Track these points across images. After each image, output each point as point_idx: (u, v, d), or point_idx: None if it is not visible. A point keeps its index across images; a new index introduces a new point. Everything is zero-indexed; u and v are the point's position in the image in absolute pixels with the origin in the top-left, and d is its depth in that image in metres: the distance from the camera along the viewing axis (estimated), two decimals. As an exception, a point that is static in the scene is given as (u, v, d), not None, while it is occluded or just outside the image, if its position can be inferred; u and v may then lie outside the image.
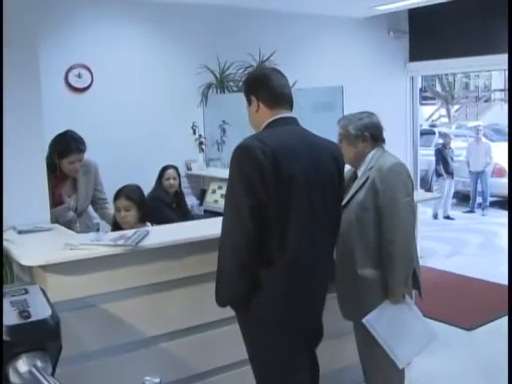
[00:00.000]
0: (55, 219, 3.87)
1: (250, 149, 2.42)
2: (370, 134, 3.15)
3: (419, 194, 5.39)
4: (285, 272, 2.46)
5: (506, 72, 4.76)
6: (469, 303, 5.83)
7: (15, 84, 3.37)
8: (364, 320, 3.02)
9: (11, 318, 2.20)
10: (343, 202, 2.94)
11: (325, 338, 2.75)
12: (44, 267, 2.75)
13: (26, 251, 2.87)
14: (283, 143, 2.47)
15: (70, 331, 2.68)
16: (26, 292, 2.41)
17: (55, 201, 3.99)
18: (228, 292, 2.54)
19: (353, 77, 7.59)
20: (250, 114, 2.70)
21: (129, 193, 3.93)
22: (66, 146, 3.87)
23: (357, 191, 3.06)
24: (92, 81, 6.17)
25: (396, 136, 8.41)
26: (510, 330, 2.87)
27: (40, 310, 2.27)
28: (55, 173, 3.85)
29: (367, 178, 3.05)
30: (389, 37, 8.55)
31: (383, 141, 3.21)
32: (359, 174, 3.15)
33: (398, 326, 3.06)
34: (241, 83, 6.76)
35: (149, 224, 3.88)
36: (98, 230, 5.11)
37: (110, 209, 4.32)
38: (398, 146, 8.48)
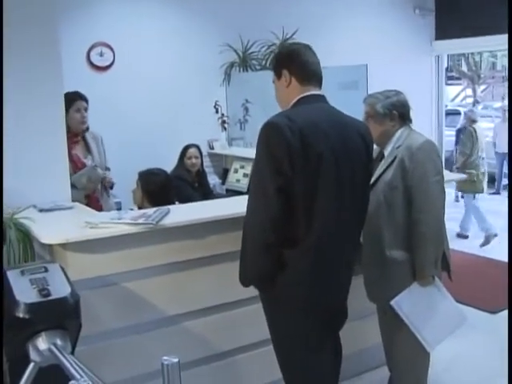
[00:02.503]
0: (86, 183, 3.98)
1: (277, 126, 2.36)
2: (399, 112, 3.06)
3: (445, 174, 5.29)
4: (310, 251, 2.42)
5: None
6: (493, 286, 5.74)
7: (36, 62, 3.36)
8: (392, 302, 2.95)
9: (31, 295, 2.20)
10: (372, 181, 2.88)
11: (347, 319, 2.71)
12: (64, 245, 2.74)
13: (47, 229, 2.85)
14: (312, 121, 2.43)
15: (90, 310, 2.69)
16: (46, 270, 2.40)
17: (75, 163, 4.02)
18: (252, 271, 2.50)
19: (377, 55, 7.48)
20: (278, 88, 2.63)
21: (141, 173, 3.99)
22: (68, 97, 3.88)
23: (384, 171, 2.98)
24: (114, 59, 6.16)
25: (421, 116, 8.23)
26: (510, 331, 2.81)
27: (60, 289, 2.26)
28: (67, 134, 3.85)
29: (395, 157, 2.96)
30: (414, 15, 8.40)
31: (410, 120, 3.13)
32: (386, 153, 3.06)
33: (426, 308, 2.99)
34: (264, 62, 6.71)
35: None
36: (119, 208, 5.13)
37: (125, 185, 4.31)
38: (422, 127, 8.29)
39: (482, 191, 8.07)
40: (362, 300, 3.13)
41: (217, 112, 6.70)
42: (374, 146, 3.12)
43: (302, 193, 2.37)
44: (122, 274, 2.88)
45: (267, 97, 6.02)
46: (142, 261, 2.92)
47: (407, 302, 2.95)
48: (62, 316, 2.19)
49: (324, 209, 2.40)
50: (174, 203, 3.83)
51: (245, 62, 6.72)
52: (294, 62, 2.57)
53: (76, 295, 2.25)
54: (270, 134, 2.38)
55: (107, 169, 4.42)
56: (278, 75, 2.60)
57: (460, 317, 3.17)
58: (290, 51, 2.68)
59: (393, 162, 2.97)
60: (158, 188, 3.93)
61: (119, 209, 5.13)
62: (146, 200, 3.84)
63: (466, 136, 8.09)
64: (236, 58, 6.68)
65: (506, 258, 6.29)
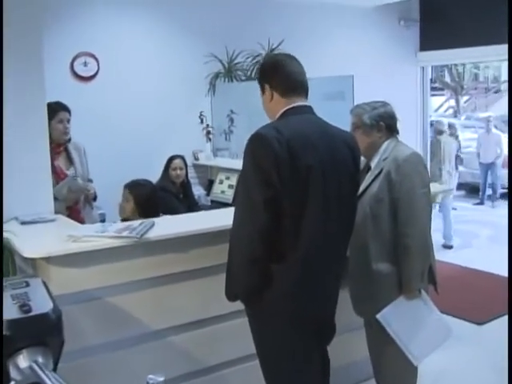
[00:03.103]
0: (66, 195, 3.91)
1: (265, 138, 2.33)
2: (386, 124, 3.04)
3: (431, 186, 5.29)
4: (298, 265, 2.39)
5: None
6: (479, 297, 5.75)
7: (18, 72, 3.30)
8: (378, 315, 2.92)
9: (11, 311, 2.13)
10: (358, 194, 2.84)
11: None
12: (47, 259, 2.68)
13: (29, 243, 2.80)
14: (299, 133, 2.39)
15: (74, 325, 2.63)
16: (27, 285, 2.33)
17: (57, 174, 3.97)
18: (239, 285, 2.45)
19: (363, 66, 7.50)
20: (264, 102, 2.59)
21: (130, 183, 3.98)
22: (50, 108, 3.83)
23: (371, 183, 2.96)
24: (98, 69, 6.11)
25: (406, 127, 8.19)
26: (510, 333, 2.79)
27: (41, 304, 2.19)
28: (50, 145, 3.80)
29: (381, 170, 2.94)
30: (399, 26, 8.44)
31: (397, 131, 3.11)
32: (372, 165, 3.04)
33: (413, 321, 2.96)
34: (249, 72, 6.68)
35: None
36: (103, 220, 5.07)
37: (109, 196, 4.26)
38: (407, 137, 8.28)
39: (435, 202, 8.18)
40: (349, 313, 3.10)
41: (202, 122, 6.66)
42: (362, 158, 3.11)
43: (290, 205, 2.33)
44: (105, 288, 2.83)
45: (252, 107, 6.01)
46: (126, 274, 2.87)
47: (393, 316, 2.92)
48: (43, 333, 2.12)
49: (311, 221, 2.37)
50: (159, 215, 3.80)
51: (230, 72, 6.69)
52: (273, 75, 2.53)
53: (58, 311, 2.19)
54: (258, 145, 2.34)
55: (89, 180, 4.37)
56: (262, 90, 2.57)
57: (447, 330, 3.15)
58: (269, 64, 2.66)
59: (379, 174, 2.94)
60: (146, 199, 3.91)
61: (103, 220, 5.07)
62: (137, 212, 3.80)
63: (434, 147, 8.39)
64: (221, 68, 6.65)
65: (492, 269, 6.35)
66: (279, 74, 2.52)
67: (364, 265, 2.94)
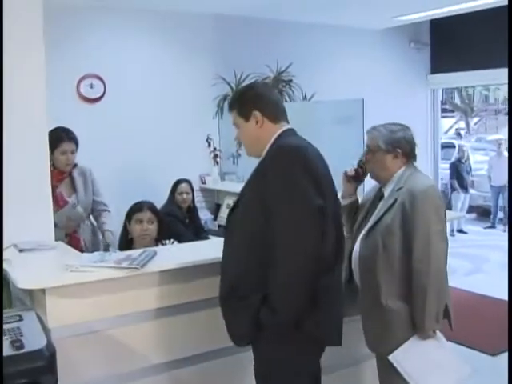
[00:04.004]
0: (65, 223, 3.83)
1: (304, 148, 2.41)
2: (403, 150, 2.89)
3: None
4: (337, 283, 2.46)
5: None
6: (492, 325, 5.58)
7: (20, 96, 3.24)
8: (390, 357, 2.77)
9: (3, 348, 2.05)
10: (370, 224, 2.81)
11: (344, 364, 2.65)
12: (43, 290, 2.58)
13: (26, 272, 2.70)
14: (312, 146, 2.48)
15: (71, 359, 2.54)
16: (21, 319, 2.26)
17: (57, 201, 3.90)
18: (290, 309, 2.31)
19: (372, 89, 7.45)
20: (246, 131, 2.55)
21: (152, 206, 3.85)
22: (56, 136, 3.77)
23: (384, 214, 2.81)
24: (105, 91, 6.08)
25: (417, 150, 8.22)
26: (510, 336, 2.66)
27: (34, 340, 2.11)
28: (52, 171, 3.72)
29: (395, 200, 2.79)
30: (410, 48, 8.39)
31: (415, 158, 2.96)
32: (386, 193, 2.90)
33: (426, 362, 2.80)
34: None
35: (161, 243, 3.74)
36: (107, 246, 4.99)
37: (115, 219, 4.17)
38: (418, 160, 8.28)
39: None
40: (359, 345, 3.01)
41: (209, 146, 6.61)
42: (372, 183, 3.00)
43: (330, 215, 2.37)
44: (104, 321, 2.72)
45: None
46: (126, 306, 2.76)
47: (406, 357, 2.77)
48: (36, 371, 2.04)
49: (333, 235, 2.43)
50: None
51: (238, 95, 6.63)
52: (263, 101, 2.53)
53: (52, 348, 2.10)
54: (303, 155, 2.37)
55: (102, 204, 4.28)
56: (246, 117, 2.52)
57: (463, 371, 2.96)
58: (258, 91, 2.63)
59: (393, 205, 2.79)
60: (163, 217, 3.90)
61: (106, 244, 4.99)
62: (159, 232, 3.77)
63: None
64: (229, 90, 6.59)
65: (502, 296, 6.18)
66: (270, 101, 2.56)
67: (374, 299, 2.80)
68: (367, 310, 2.86)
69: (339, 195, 2.84)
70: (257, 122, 2.50)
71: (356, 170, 3.02)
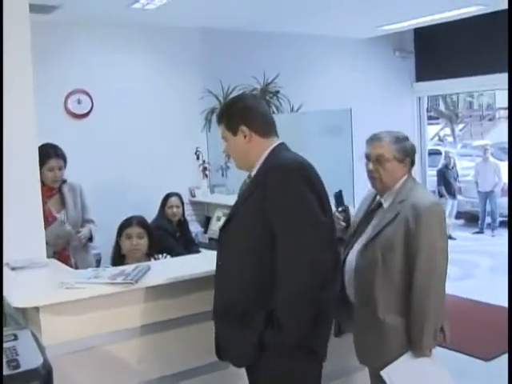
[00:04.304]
0: (53, 240, 3.77)
1: (306, 164, 2.38)
2: (411, 159, 2.82)
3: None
4: (335, 299, 2.48)
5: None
6: (484, 331, 5.60)
7: (8, 111, 3.22)
8: (382, 372, 2.72)
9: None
10: (369, 237, 2.74)
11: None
12: (37, 308, 2.57)
13: (19, 291, 2.69)
14: (308, 161, 2.43)
15: (66, 376, 2.52)
16: (16, 338, 2.23)
17: (46, 217, 3.81)
18: (296, 326, 2.26)
19: (359, 98, 7.49)
20: (235, 145, 2.48)
21: (142, 221, 3.84)
22: (44, 152, 3.75)
23: (385, 226, 2.71)
24: (92, 106, 6.07)
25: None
26: (510, 335, 2.65)
27: (30, 359, 2.08)
28: (42, 187, 3.70)
29: (397, 214, 2.70)
30: (394, 57, 8.45)
31: (413, 165, 2.91)
32: (385, 204, 2.82)
33: (419, 381, 2.75)
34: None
35: (153, 258, 3.73)
36: (99, 260, 4.96)
37: (106, 235, 4.14)
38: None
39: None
40: (346, 357, 3.02)
41: (198, 159, 6.61)
42: (366, 192, 2.99)
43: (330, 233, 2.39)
44: (99, 337, 2.70)
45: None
46: (121, 322, 2.75)
47: (398, 373, 2.71)
48: (32, 390, 2.02)
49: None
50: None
51: (225, 107, 6.64)
52: (250, 116, 2.46)
53: (48, 366, 2.08)
54: (307, 172, 2.35)
55: (89, 221, 4.25)
56: (234, 132, 2.45)
57: None
58: (246, 105, 2.51)
59: (395, 218, 2.70)
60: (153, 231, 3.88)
61: (98, 260, 4.97)
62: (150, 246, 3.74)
63: None
64: (217, 103, 6.60)
65: (494, 301, 6.22)
66: (258, 115, 2.48)
67: (370, 314, 2.72)
68: (362, 323, 2.79)
69: None
70: (245, 137, 2.43)
71: (345, 222, 2.99)
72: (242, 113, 2.47)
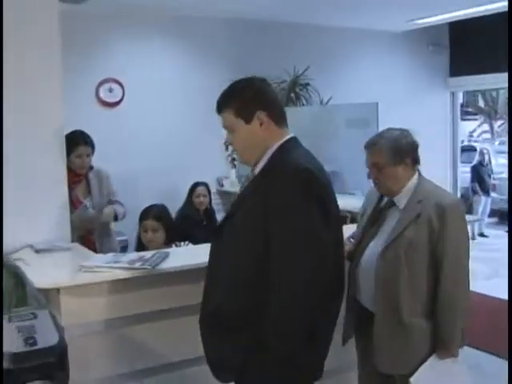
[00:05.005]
0: (78, 224, 3.83)
1: (315, 171, 2.09)
2: (411, 158, 2.69)
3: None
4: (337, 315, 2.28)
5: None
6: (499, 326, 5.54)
7: (37, 99, 3.32)
8: (412, 379, 2.63)
9: (16, 344, 2.11)
10: (389, 239, 2.63)
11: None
12: (58, 289, 2.65)
13: (41, 272, 2.77)
14: (319, 168, 2.19)
15: (82, 356, 2.60)
16: (35, 317, 2.32)
17: (73, 203, 3.93)
18: (286, 343, 2.06)
19: (390, 92, 7.44)
20: (247, 135, 2.20)
21: (158, 213, 3.83)
22: (72, 140, 3.82)
23: (406, 227, 2.61)
24: (123, 95, 6.15)
25: (435, 153, 8.18)
26: (510, 334, 2.62)
27: (47, 337, 2.17)
28: (68, 174, 3.79)
29: (419, 214, 2.60)
30: (428, 51, 8.34)
31: (419, 161, 2.79)
32: (400, 204, 2.71)
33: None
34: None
35: (175, 245, 3.77)
36: (125, 246, 5.05)
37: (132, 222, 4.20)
38: (437, 164, 8.26)
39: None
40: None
41: (227, 149, 6.64)
42: (374, 188, 2.87)
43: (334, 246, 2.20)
44: (116, 320, 2.78)
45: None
46: (138, 306, 2.81)
47: (428, 379, 2.63)
48: (47, 367, 2.09)
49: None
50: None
51: (255, 98, 6.67)
52: (268, 100, 2.21)
53: (64, 345, 2.16)
54: (313, 179, 2.09)
55: (114, 202, 4.31)
56: (248, 119, 2.17)
57: None
58: (259, 87, 2.25)
59: (416, 218, 2.61)
60: (173, 221, 3.90)
61: (124, 247, 5.06)
62: (167, 238, 3.76)
63: None
64: (246, 94, 6.63)
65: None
66: (274, 99, 2.26)
67: (396, 318, 2.63)
68: (385, 329, 2.67)
69: None
70: (261, 124, 2.18)
71: None
72: (258, 96, 2.20)
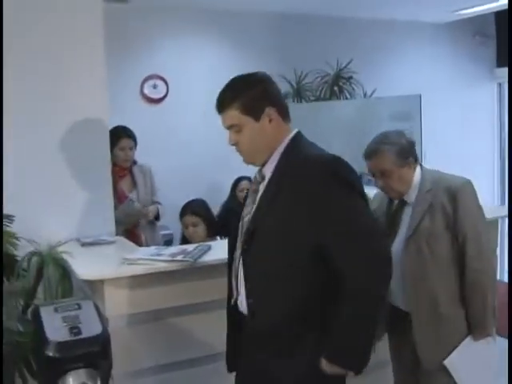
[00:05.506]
0: (123, 218, 3.91)
1: (340, 159, 2.02)
2: (413, 156, 2.70)
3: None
4: None
5: None
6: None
7: (82, 98, 3.40)
8: (446, 361, 2.63)
9: (61, 333, 2.18)
10: (407, 234, 2.63)
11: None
12: (102, 281, 2.73)
13: (86, 265, 2.86)
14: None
15: (126, 346, 2.66)
16: (79, 307, 2.38)
17: (119, 197, 4.04)
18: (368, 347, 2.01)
19: (434, 84, 7.32)
20: (256, 134, 2.11)
21: (195, 208, 3.90)
22: (115, 133, 3.91)
23: (422, 219, 2.63)
24: (167, 92, 6.22)
25: (482, 146, 8.05)
26: (510, 333, 2.57)
27: (91, 327, 2.23)
28: (113, 168, 3.87)
29: (430, 203, 2.62)
30: (473, 41, 8.17)
31: (418, 159, 2.79)
32: (409, 199, 2.71)
33: (481, 365, 2.67)
34: (318, 93, 6.62)
35: (219, 238, 3.82)
36: (168, 241, 5.12)
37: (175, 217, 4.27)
38: (484, 157, 8.11)
39: None
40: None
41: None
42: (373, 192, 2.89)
43: None
44: (158, 311, 2.84)
45: (321, 128, 5.96)
46: (180, 298, 2.87)
47: (462, 361, 2.63)
48: (91, 355, 2.15)
49: None
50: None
51: (299, 93, 6.67)
52: (275, 95, 2.15)
53: (107, 334, 2.22)
54: (349, 169, 2.02)
55: (157, 203, 4.41)
56: (257, 116, 2.09)
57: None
58: (266, 82, 2.16)
59: (429, 208, 2.63)
60: (212, 215, 3.95)
61: (169, 241, 5.14)
62: (210, 232, 3.81)
63: None
64: (290, 88, 6.64)
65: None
66: (279, 95, 2.18)
67: (431, 311, 2.63)
68: (424, 325, 2.66)
69: None
70: (270, 121, 2.10)
71: None
72: (267, 91, 2.13)
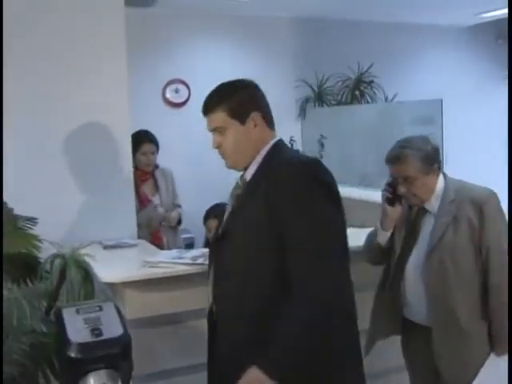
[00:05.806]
0: (146, 222, 3.96)
1: (319, 162, 2.06)
2: (438, 163, 2.63)
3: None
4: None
5: None
6: None
7: (104, 101, 3.45)
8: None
9: (83, 335, 2.21)
10: (429, 246, 2.58)
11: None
12: (123, 283, 2.76)
13: (108, 267, 2.90)
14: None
15: (147, 348, 2.69)
16: (101, 309, 2.41)
17: (141, 200, 4.11)
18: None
19: (456, 88, 7.28)
20: (241, 136, 2.12)
21: (218, 212, 3.91)
22: (137, 138, 3.97)
23: (445, 231, 2.56)
24: (189, 96, 6.26)
25: (506, 151, 7.94)
26: (510, 332, 2.52)
27: (112, 329, 2.25)
28: (136, 172, 3.91)
29: (455, 214, 2.56)
30: (497, 45, 8.10)
31: (442, 166, 2.74)
32: (431, 208, 2.65)
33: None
34: (339, 97, 6.62)
35: None
36: (190, 244, 5.16)
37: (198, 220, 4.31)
38: (505, 163, 8.00)
39: None
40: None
41: (292, 147, 6.67)
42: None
43: None
44: (180, 314, 2.87)
45: (343, 132, 5.94)
46: (201, 301, 2.87)
47: (493, 379, 2.57)
48: (112, 357, 2.18)
49: None
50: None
51: (320, 96, 6.69)
52: (261, 100, 2.19)
53: (128, 336, 2.24)
54: (324, 171, 2.03)
55: (178, 206, 4.45)
56: (242, 119, 2.11)
57: None
58: (253, 87, 2.21)
59: (454, 219, 2.56)
60: None
61: (190, 244, 5.18)
62: None
63: None
64: (311, 92, 6.65)
65: None
66: (265, 101, 2.21)
67: (453, 326, 2.58)
68: (445, 341, 2.60)
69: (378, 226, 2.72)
70: (255, 126, 2.12)
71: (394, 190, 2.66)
72: (253, 97, 2.17)
